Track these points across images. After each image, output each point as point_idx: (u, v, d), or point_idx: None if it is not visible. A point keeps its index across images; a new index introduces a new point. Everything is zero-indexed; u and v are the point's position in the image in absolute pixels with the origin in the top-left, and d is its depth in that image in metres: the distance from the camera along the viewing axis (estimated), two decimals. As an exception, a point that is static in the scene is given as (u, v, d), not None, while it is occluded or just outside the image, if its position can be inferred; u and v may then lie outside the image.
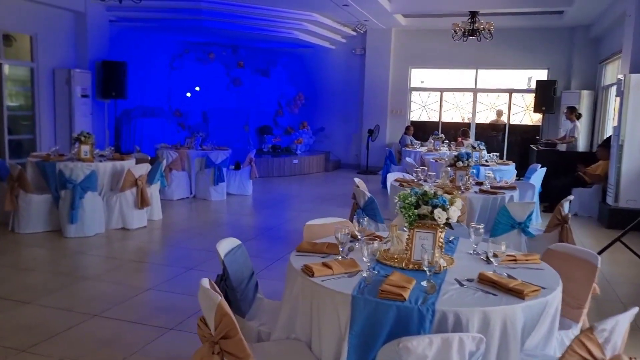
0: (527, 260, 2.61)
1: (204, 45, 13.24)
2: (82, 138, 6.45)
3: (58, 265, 5.08)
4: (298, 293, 2.35)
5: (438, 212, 2.35)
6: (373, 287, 2.16)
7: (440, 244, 2.44)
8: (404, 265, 2.43)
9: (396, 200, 2.47)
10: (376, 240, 2.49)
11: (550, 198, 8.33)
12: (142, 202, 6.50)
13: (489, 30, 9.70)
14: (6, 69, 9.15)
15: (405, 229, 2.55)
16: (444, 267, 2.40)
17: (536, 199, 6.56)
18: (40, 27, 9.41)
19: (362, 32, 12.62)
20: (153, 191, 6.99)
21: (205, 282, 2.11)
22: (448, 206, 2.41)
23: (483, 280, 2.25)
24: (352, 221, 4.96)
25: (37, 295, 4.18)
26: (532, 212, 4.57)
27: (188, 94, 13.06)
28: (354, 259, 2.50)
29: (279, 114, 13.79)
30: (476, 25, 9.73)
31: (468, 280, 2.28)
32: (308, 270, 2.32)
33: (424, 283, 2.19)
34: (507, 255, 2.53)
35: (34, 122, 9.66)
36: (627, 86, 7.18)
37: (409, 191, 2.49)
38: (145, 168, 6.61)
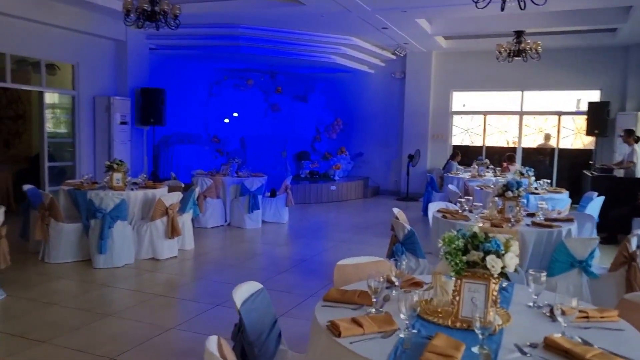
0: (602, 317, 2.16)
1: (242, 71, 13.24)
2: (115, 166, 6.34)
3: (82, 300, 4.87)
4: (322, 355, 1.99)
5: (491, 260, 1.96)
6: (413, 354, 1.77)
7: (495, 298, 2.04)
8: (450, 323, 2.03)
9: (440, 245, 2.09)
10: (416, 290, 2.12)
11: (607, 229, 7.68)
12: (172, 231, 6.30)
13: (535, 50, 9.22)
14: (47, 97, 9.30)
15: (451, 276, 2.16)
16: (499, 326, 2.00)
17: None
18: (82, 55, 9.57)
19: (401, 55, 12.33)
20: (185, 220, 6.80)
21: (212, 343, 1.78)
22: (503, 252, 2.01)
23: (550, 346, 1.83)
24: (390, 257, 4.61)
25: (53, 333, 3.95)
26: (594, 249, 4.07)
27: (226, 120, 13.03)
28: (390, 314, 2.12)
29: (316, 139, 13.58)
30: (522, 45, 9.28)
31: (531, 345, 1.86)
32: (334, 328, 1.96)
33: (476, 350, 1.79)
34: (579, 312, 2.10)
35: (74, 149, 9.75)
36: (694, 107, 6.55)
37: (455, 233, 2.11)
38: (176, 197, 6.42)
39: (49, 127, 9.49)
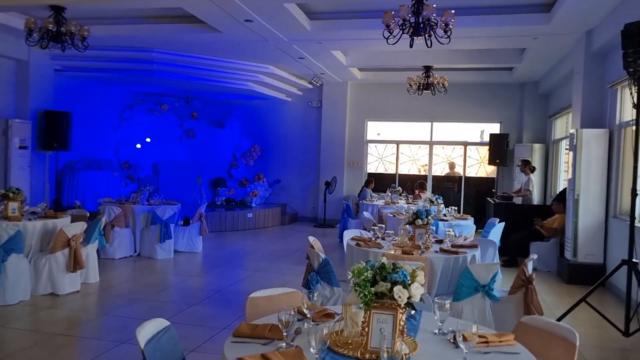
0: (500, 342, 2.27)
1: (156, 96, 12.88)
2: (10, 194, 5.88)
3: (-33, 343, 4.41)
4: (231, 395, 1.92)
5: (398, 291, 2.01)
6: (322, 389, 1.76)
7: (402, 328, 2.08)
8: (359, 354, 2.05)
9: (349, 276, 2.12)
10: (326, 322, 2.11)
11: (508, 252, 8.20)
12: (75, 264, 5.91)
13: (442, 84, 9.79)
14: None
15: (361, 307, 2.18)
16: (406, 355, 2.04)
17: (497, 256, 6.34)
18: (-23, 75, 8.86)
19: (318, 84, 12.60)
20: (90, 251, 6.41)
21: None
22: (409, 282, 2.07)
23: (453, 374, 1.90)
24: (305, 286, 4.60)
25: None
26: (495, 273, 4.30)
27: (138, 146, 12.54)
28: (300, 348, 2.09)
29: (233, 166, 13.43)
30: (430, 79, 9.81)
31: (435, 374, 1.92)
32: (243, 366, 1.90)
33: (384, 380, 1.81)
34: (479, 337, 2.19)
35: (-36, 175, 8.94)
36: (579, 140, 7.22)
37: (364, 264, 2.14)
38: (80, 227, 6.05)
39: None
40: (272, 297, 2.95)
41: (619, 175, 6.96)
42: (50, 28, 6.76)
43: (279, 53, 9.64)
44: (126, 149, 12.37)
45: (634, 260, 4.64)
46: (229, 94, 12.43)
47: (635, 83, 4.44)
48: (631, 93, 4.59)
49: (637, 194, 4.71)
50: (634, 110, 4.60)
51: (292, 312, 2.19)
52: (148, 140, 12.84)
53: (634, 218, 4.75)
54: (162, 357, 2.29)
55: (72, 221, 6.26)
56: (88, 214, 7.02)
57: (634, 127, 4.78)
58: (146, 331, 2.27)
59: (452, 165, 13.16)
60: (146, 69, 10.02)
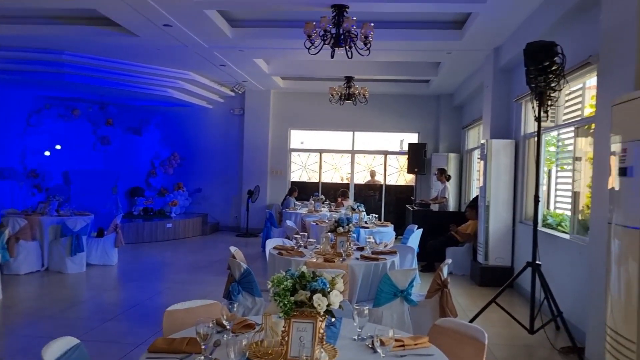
0: (415, 345, 2.35)
1: (67, 100, 12.16)
2: None
3: None
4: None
5: (317, 299, 2.02)
6: (240, 401, 1.73)
7: (321, 335, 2.10)
8: (279, 364, 2.04)
9: (269, 286, 2.11)
10: (246, 333, 2.09)
11: (426, 257, 8.53)
12: (-27, 281, 5.43)
13: (363, 95, 10.04)
14: None
15: (280, 316, 2.17)
16: (325, 362, 2.05)
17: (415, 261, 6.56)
18: None
19: (240, 92, 12.50)
20: (-9, 267, 5.93)
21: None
22: (329, 289, 2.09)
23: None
24: (226, 296, 4.52)
25: None
26: (413, 278, 4.45)
27: (47, 153, 11.77)
28: (219, 361, 2.05)
29: (151, 174, 12.97)
30: (352, 90, 10.03)
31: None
32: (158, 383, 1.83)
33: (303, 389, 1.81)
34: (395, 341, 2.25)
35: None
36: (489, 150, 7.67)
37: (283, 273, 2.14)
38: (-21, 240, 5.58)
39: None
40: (190, 309, 2.86)
41: (524, 183, 7.47)
42: (-54, 25, 6.22)
43: (200, 59, 9.47)
44: (33, 157, 11.57)
45: (537, 262, 4.98)
46: (147, 100, 12.01)
47: (537, 98, 4.79)
48: (533, 107, 4.95)
49: (539, 201, 5.07)
50: (536, 123, 4.96)
51: (211, 324, 2.14)
52: (58, 147, 12.09)
53: (537, 223, 5.10)
54: (70, 378, 2.15)
55: (-30, 235, 5.76)
56: (-11, 227, 6.49)
57: (535, 139, 5.16)
58: (52, 351, 2.12)
59: (372, 174, 13.52)
60: (56, 72, 9.44)
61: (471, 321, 5.10)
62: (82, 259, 7.76)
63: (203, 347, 2.13)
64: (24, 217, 7.58)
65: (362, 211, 8.28)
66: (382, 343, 2.12)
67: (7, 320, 5.50)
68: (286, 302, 2.04)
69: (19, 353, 4.41)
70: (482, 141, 8.11)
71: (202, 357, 2.12)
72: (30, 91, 11.51)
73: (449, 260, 4.78)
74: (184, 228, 11.80)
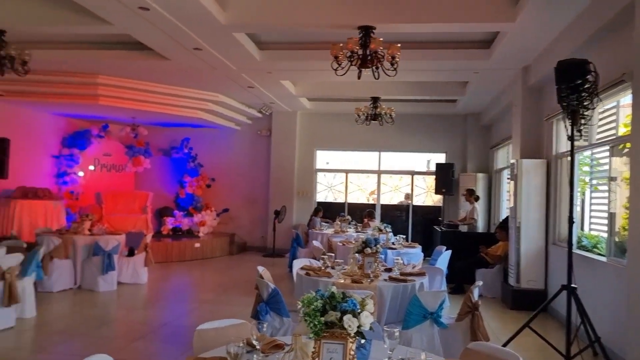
0: (448, 369, 2.30)
1: (101, 122, 12.50)
2: (-62, 225, 5.50)
3: None
4: None
5: (348, 320, 2.00)
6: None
7: (352, 357, 2.07)
8: (309, 386, 2.02)
9: (299, 306, 2.10)
10: (276, 353, 2.08)
11: (455, 279, 8.38)
12: (10, 298, 5.56)
13: (390, 115, 10.04)
14: None
15: (310, 337, 2.16)
16: (356, 385, 2.02)
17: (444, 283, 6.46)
18: None
19: (267, 113, 12.65)
20: (26, 284, 6.06)
21: None
22: (359, 310, 2.07)
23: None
24: (254, 316, 4.51)
25: None
26: (443, 300, 4.37)
27: (80, 174, 12.09)
28: (249, 381, 2.04)
29: (180, 195, 13.15)
30: (378, 110, 10.04)
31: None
32: (189, 403, 1.83)
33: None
34: (427, 365, 2.21)
35: None
36: (519, 170, 7.55)
37: (314, 294, 2.13)
38: (16, 259, 5.72)
39: None
40: (220, 329, 2.87)
41: (557, 203, 7.30)
42: None
43: (228, 81, 9.64)
44: (68, 178, 11.90)
45: (572, 285, 4.84)
46: (177, 122, 12.26)
47: (569, 116, 4.71)
48: (565, 126, 4.86)
49: (573, 222, 4.94)
50: (569, 142, 4.86)
51: (241, 344, 2.15)
52: (91, 168, 12.42)
53: (572, 245, 4.97)
54: (102, 396, 2.17)
55: (8, 252, 5.91)
56: (25, 245, 6.66)
57: (569, 158, 5.05)
58: (85, 369, 2.15)
59: (407, 196, 13.39)
60: (90, 94, 9.75)
61: (504, 345, 4.96)
62: (113, 277, 7.87)
63: (233, 367, 2.13)
64: (58, 236, 7.76)
65: (389, 232, 8.22)
66: (414, 366, 2.08)
67: (41, 337, 5.59)
68: (316, 323, 2.03)
69: (51, 371, 4.48)
70: (512, 161, 7.99)
71: (232, 378, 2.11)
72: (65, 113, 11.89)
73: (479, 282, 4.69)
74: (212, 248, 11.89)
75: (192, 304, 7.38)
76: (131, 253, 8.43)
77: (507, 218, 8.59)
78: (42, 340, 5.51)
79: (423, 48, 7.67)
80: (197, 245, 11.50)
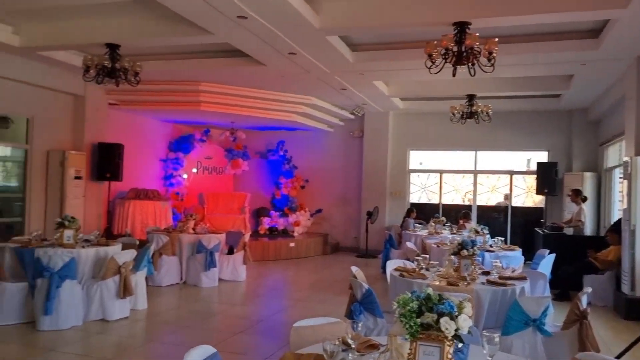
0: (553, 378, 2.18)
1: (202, 127, 13.28)
2: (66, 222, 6.13)
3: (22, 366, 4.57)
4: None
5: (445, 322, 1.97)
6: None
7: (449, 360, 2.04)
8: (405, 387, 2.01)
9: (395, 307, 2.10)
10: (371, 353, 2.09)
11: (559, 285, 7.88)
12: (124, 291, 6.07)
13: (486, 112, 9.67)
14: (-2, 150, 9.05)
15: (406, 338, 2.15)
16: (454, 389, 1.99)
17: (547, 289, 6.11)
18: (38, 109, 9.40)
19: (359, 115, 12.69)
20: (139, 278, 6.57)
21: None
22: (456, 313, 2.03)
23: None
24: (348, 316, 4.56)
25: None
26: (547, 306, 4.14)
27: (185, 176, 12.90)
28: (345, 379, 2.08)
29: (276, 195, 13.58)
30: (474, 108, 9.71)
31: (485, 410, 1.86)
32: (288, 396, 1.90)
33: (431, 415, 1.77)
34: (530, 373, 2.11)
35: (24, 204, 9.40)
36: (634, 168, 6.95)
37: (409, 294, 2.12)
38: (130, 255, 6.23)
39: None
40: (315, 327, 2.94)
41: (678, 204, 6.63)
42: (106, 64, 7.14)
43: (322, 84, 9.81)
44: (174, 180, 12.75)
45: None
46: (273, 125, 12.69)
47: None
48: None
49: (698, 225, 4.46)
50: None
51: (337, 342, 2.18)
52: (194, 170, 13.20)
53: (696, 250, 4.50)
54: (208, 384, 2.31)
55: (123, 249, 6.45)
56: (137, 242, 7.23)
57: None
58: (193, 357, 2.30)
59: (506, 197, 12.82)
60: (193, 101, 10.40)
61: (618, 357, 4.59)
62: (215, 274, 8.31)
63: (330, 364, 2.17)
64: (165, 234, 8.34)
65: (487, 234, 7.91)
66: (515, 373, 2.00)
67: (152, 327, 6.05)
68: (412, 324, 2.02)
69: (162, 358, 4.83)
70: (625, 159, 7.37)
71: (329, 374, 2.16)
72: (171, 119, 12.76)
73: (588, 289, 4.38)
74: (306, 247, 12.15)
75: (287, 301, 7.60)
76: (231, 251, 8.84)
77: (619, 220, 7.92)
78: (153, 330, 5.95)
79: (522, 41, 7.31)
80: (292, 244, 11.81)
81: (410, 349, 2.09)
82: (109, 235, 9.97)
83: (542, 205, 12.18)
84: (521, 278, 4.85)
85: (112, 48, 7.27)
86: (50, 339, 5.25)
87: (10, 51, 8.02)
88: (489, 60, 5.75)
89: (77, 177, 9.84)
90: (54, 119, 9.76)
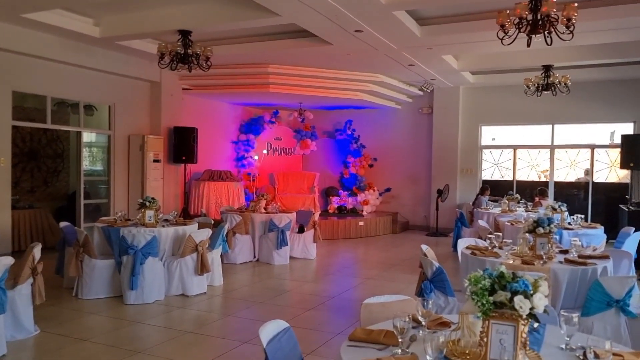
0: (637, 361, 2.08)
1: (271, 108, 13.51)
2: (147, 203, 6.49)
3: (112, 336, 4.94)
4: (348, 397, 1.97)
5: (519, 301, 1.93)
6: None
7: (524, 340, 1.99)
8: (478, 365, 1.99)
9: (466, 284, 2.07)
10: (442, 331, 2.09)
11: (647, 266, 7.41)
12: (202, 268, 6.37)
13: (565, 83, 9.15)
14: (84, 136, 9.69)
15: (478, 317, 2.12)
16: (529, 369, 1.95)
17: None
18: (119, 96, 9.97)
19: (428, 91, 12.40)
20: (214, 256, 6.87)
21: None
22: (532, 292, 1.98)
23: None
24: (418, 294, 4.55)
25: (85, 370, 4.00)
26: (632, 287, 3.92)
27: (255, 157, 13.23)
28: (416, 355, 2.09)
29: (344, 175, 13.63)
30: (550, 79, 9.22)
31: (562, 390, 1.81)
32: (360, 369, 1.94)
33: (505, 393, 1.75)
34: (613, 355, 2.02)
35: (109, 186, 10.05)
36: None
37: (481, 272, 2.08)
38: (206, 233, 6.51)
39: (85, 165, 9.85)
40: (386, 303, 2.96)
41: None
42: (179, 51, 7.41)
43: (389, 61, 9.66)
44: (245, 161, 13.12)
45: None
46: (340, 104, 12.68)
47: None
48: None
49: None
50: None
51: (407, 319, 2.19)
52: (264, 152, 13.50)
53: None
54: (282, 356, 2.40)
55: (199, 228, 6.76)
56: (212, 222, 7.54)
57: None
58: (268, 331, 2.40)
59: (587, 172, 12.16)
60: (262, 83, 10.59)
61: None
62: (286, 252, 8.53)
63: (400, 340, 2.19)
64: (238, 214, 8.62)
65: (565, 211, 7.56)
66: (596, 356, 1.92)
67: (228, 303, 6.32)
68: (484, 302, 1.99)
69: (238, 333, 5.05)
70: None
71: (399, 350, 2.18)
72: (241, 102, 13.07)
73: (678, 269, 4.10)
74: (375, 226, 12.15)
75: (357, 279, 7.67)
76: (301, 230, 9.01)
77: None
78: (229, 305, 6.22)
79: (605, 5, 6.81)
80: (361, 223, 11.85)
81: (482, 327, 2.06)
82: (186, 215, 10.47)
83: (627, 180, 11.42)
84: (603, 257, 4.61)
85: (184, 34, 7.53)
86: (135, 312, 5.63)
87: (92, 42, 8.53)
88: (568, 27, 5.41)
89: (155, 160, 10.37)
90: (133, 105, 10.31)
